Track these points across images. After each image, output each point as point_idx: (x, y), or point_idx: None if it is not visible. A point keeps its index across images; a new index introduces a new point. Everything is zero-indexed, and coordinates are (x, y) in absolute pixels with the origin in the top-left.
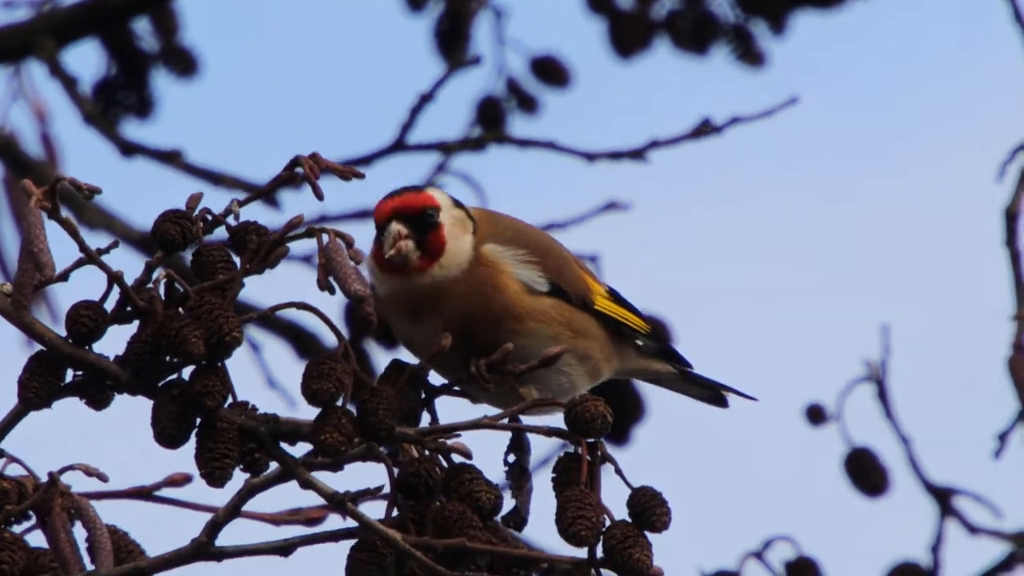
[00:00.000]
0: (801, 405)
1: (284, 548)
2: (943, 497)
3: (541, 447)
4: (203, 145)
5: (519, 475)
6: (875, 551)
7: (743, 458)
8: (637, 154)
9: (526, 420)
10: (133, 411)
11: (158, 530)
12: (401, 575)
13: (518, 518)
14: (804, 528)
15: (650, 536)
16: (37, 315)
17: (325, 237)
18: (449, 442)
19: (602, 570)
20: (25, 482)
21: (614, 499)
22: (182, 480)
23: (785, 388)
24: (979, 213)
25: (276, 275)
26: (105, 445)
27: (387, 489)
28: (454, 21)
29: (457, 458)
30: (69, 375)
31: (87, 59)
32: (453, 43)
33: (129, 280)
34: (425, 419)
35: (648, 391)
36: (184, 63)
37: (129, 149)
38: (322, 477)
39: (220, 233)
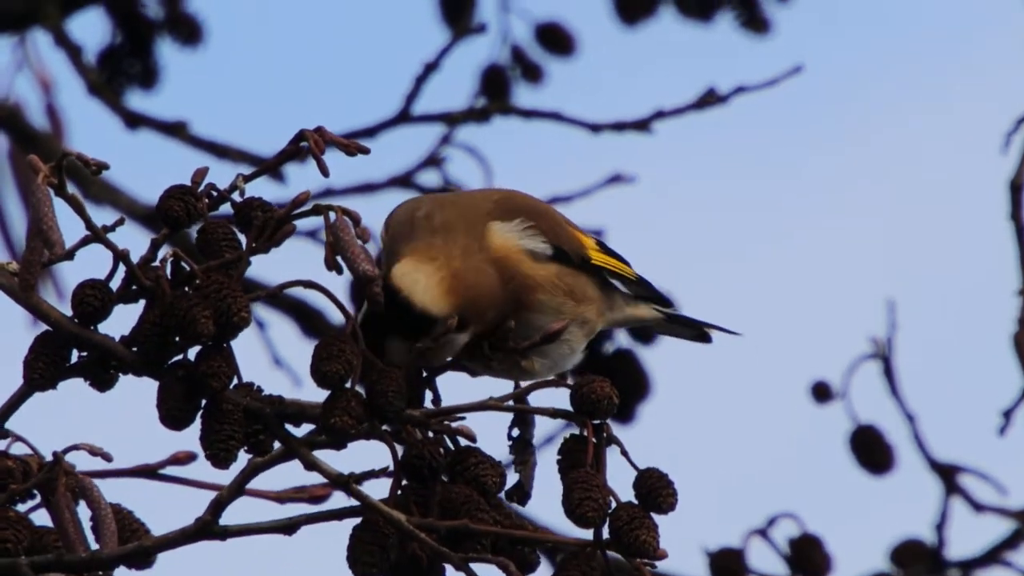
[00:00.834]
0: (807, 382)
1: (288, 527)
2: (948, 475)
3: (546, 425)
4: (207, 116)
5: (523, 449)
6: (880, 528)
7: (748, 435)
8: (642, 125)
9: (532, 400)
10: (138, 391)
11: (162, 508)
12: (404, 555)
13: (522, 493)
14: (809, 506)
15: (655, 517)
16: (43, 294)
17: (332, 215)
18: (454, 424)
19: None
20: (30, 461)
21: (620, 480)
22: (186, 458)
23: (791, 365)
24: (984, 185)
25: (281, 251)
26: (110, 425)
27: (391, 470)
28: None
29: (462, 440)
30: (75, 355)
31: (92, 27)
32: (458, 11)
33: (135, 258)
34: (427, 398)
35: (654, 367)
36: (189, 31)
37: (134, 121)
38: (325, 456)
39: (225, 209)
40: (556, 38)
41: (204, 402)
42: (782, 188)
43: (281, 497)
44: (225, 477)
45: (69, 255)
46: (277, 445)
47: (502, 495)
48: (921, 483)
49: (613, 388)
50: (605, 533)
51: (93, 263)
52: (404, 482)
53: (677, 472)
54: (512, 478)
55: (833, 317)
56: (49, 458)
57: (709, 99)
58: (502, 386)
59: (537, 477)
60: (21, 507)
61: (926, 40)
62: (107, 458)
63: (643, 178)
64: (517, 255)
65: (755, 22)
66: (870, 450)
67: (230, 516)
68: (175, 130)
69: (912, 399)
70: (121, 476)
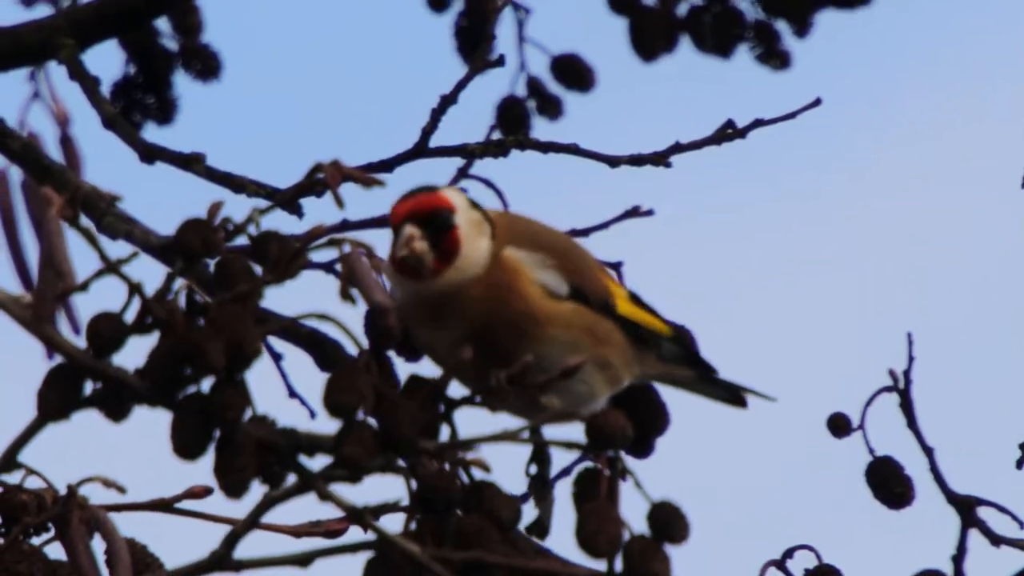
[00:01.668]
0: (824, 415)
1: (303, 560)
2: (966, 507)
3: (562, 458)
4: (223, 148)
5: (541, 487)
6: (897, 561)
7: (765, 467)
8: (660, 158)
9: (547, 433)
10: (152, 423)
11: (177, 542)
12: None
13: (542, 528)
14: (826, 538)
15: (669, 548)
16: (58, 326)
17: (346, 247)
18: (469, 456)
19: None
20: (44, 494)
21: (635, 511)
22: (202, 492)
23: (808, 398)
24: (1003, 217)
25: (298, 282)
26: (124, 458)
27: (406, 502)
28: (476, 21)
29: (477, 472)
30: (88, 387)
31: (108, 60)
32: (475, 44)
33: (149, 290)
34: (444, 432)
35: (670, 399)
36: (205, 63)
37: (150, 154)
38: (341, 489)
39: (241, 241)
40: (574, 71)
41: (218, 433)
42: (800, 220)
43: (297, 531)
44: (240, 511)
45: (83, 287)
46: (292, 477)
47: (522, 528)
48: (939, 516)
49: (627, 420)
50: (618, 565)
51: (108, 295)
52: (419, 514)
53: (694, 504)
54: (530, 513)
55: (851, 349)
56: (63, 491)
57: (727, 132)
58: (517, 421)
59: (554, 509)
60: (35, 540)
61: (943, 66)
62: (121, 490)
63: (661, 211)
64: (525, 282)
65: (774, 56)
66: (887, 483)
67: (245, 549)
68: (191, 163)
69: (930, 432)
70: (136, 510)
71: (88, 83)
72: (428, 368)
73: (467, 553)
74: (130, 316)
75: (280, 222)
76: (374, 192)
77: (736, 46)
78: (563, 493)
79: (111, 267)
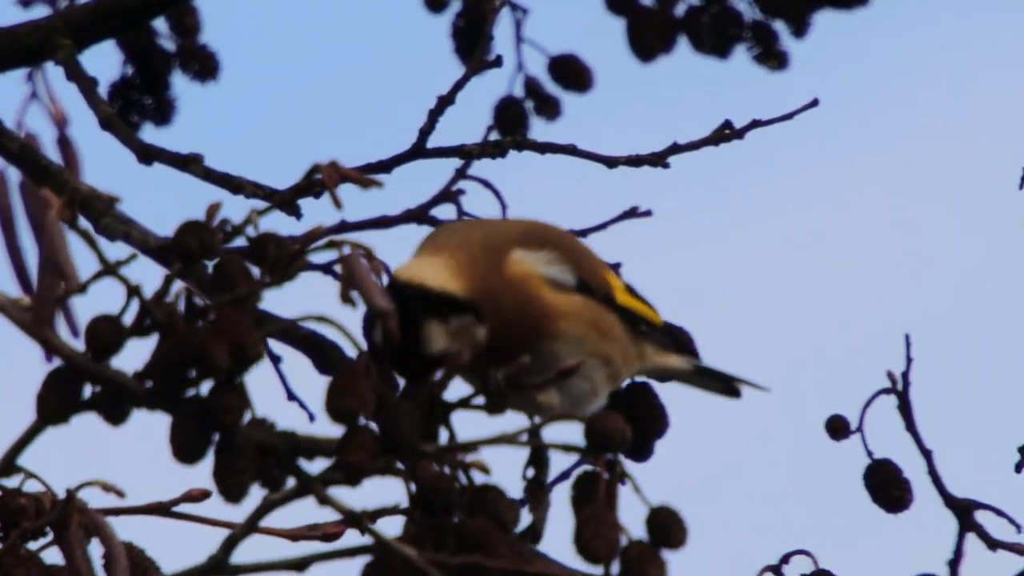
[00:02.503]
0: (822, 417)
1: (300, 564)
2: (964, 511)
3: (560, 462)
4: (221, 149)
5: (537, 490)
6: (895, 565)
7: (763, 470)
8: (658, 159)
9: (545, 435)
10: (151, 427)
11: (175, 546)
12: None
13: (534, 534)
14: (823, 541)
15: (667, 554)
16: (57, 329)
17: (346, 249)
18: (468, 458)
19: None
20: (43, 498)
21: (633, 514)
22: (200, 496)
23: (806, 400)
24: (1002, 218)
25: (297, 285)
26: (123, 462)
27: (404, 505)
28: (474, 21)
29: (477, 474)
30: (87, 390)
31: (105, 60)
32: (473, 44)
33: (147, 291)
34: (443, 435)
35: (668, 402)
36: (203, 64)
37: (148, 155)
38: (339, 492)
39: (240, 243)
40: (572, 72)
41: (217, 437)
42: (798, 220)
43: (294, 535)
44: (238, 515)
45: (82, 289)
46: (291, 481)
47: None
48: (937, 519)
49: (626, 423)
50: (616, 569)
51: (106, 298)
52: (418, 517)
53: (692, 507)
54: (525, 518)
55: (849, 350)
56: (62, 495)
57: (725, 133)
58: (517, 424)
59: (551, 513)
60: (33, 544)
61: (947, 67)
62: (120, 494)
63: (659, 212)
64: (537, 281)
65: (772, 57)
66: (886, 486)
67: (241, 553)
68: (189, 163)
69: (928, 434)
70: (134, 514)
71: (86, 84)
72: None
73: (465, 557)
74: (129, 318)
75: (278, 223)
76: (372, 193)
77: (734, 46)
78: (561, 497)
79: (110, 269)
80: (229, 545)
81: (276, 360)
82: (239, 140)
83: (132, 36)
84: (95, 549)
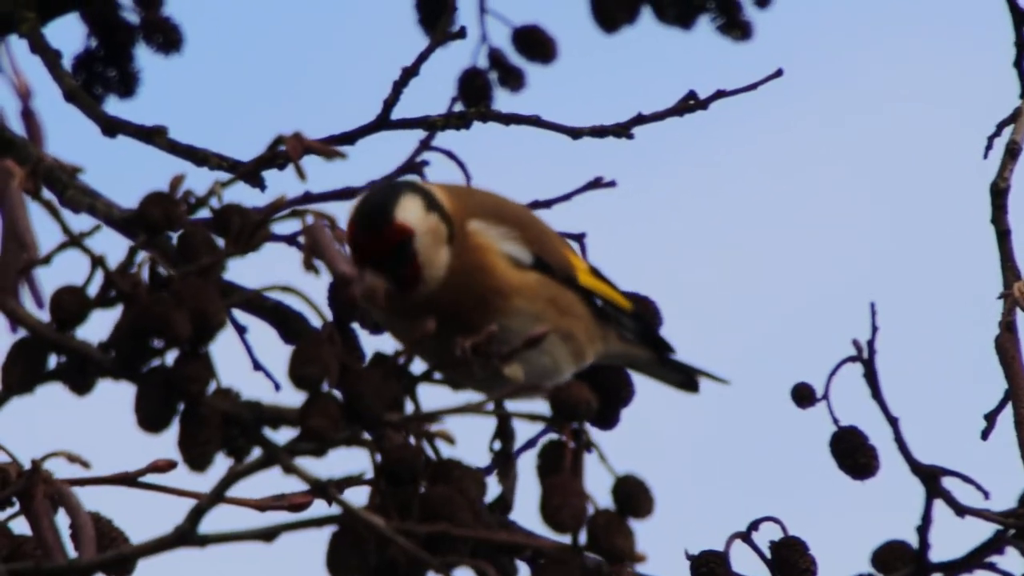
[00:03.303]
0: (788, 385)
1: (268, 535)
2: (931, 478)
3: (526, 431)
4: (185, 121)
5: (505, 462)
6: (862, 532)
7: (729, 438)
8: (622, 130)
9: (510, 405)
10: (116, 398)
11: (141, 516)
12: (384, 560)
13: (504, 504)
14: (790, 508)
15: (634, 522)
16: (20, 299)
17: (309, 218)
18: (433, 428)
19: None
20: (8, 468)
21: (600, 483)
22: (166, 466)
23: (771, 368)
24: (966, 189)
25: (261, 256)
26: (88, 432)
27: (370, 475)
28: None
29: (442, 446)
30: (52, 360)
31: (69, 33)
32: (437, 15)
33: (111, 263)
34: (408, 407)
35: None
36: (166, 36)
37: (112, 127)
38: (306, 463)
39: (204, 215)
40: (535, 43)
41: (182, 406)
42: (762, 190)
43: (261, 505)
44: (204, 485)
45: (46, 260)
46: (256, 450)
47: (485, 504)
48: (904, 486)
49: (591, 392)
50: (583, 539)
51: (70, 270)
52: (384, 487)
53: (658, 475)
54: (494, 489)
55: (814, 319)
56: (27, 465)
57: (689, 104)
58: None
59: (519, 483)
60: (0, 514)
61: (910, 39)
62: (85, 465)
63: (623, 182)
64: (494, 256)
65: (735, 27)
66: (852, 453)
67: (209, 523)
68: (153, 136)
69: (894, 402)
70: (100, 484)
71: (49, 56)
72: (391, 342)
73: (432, 525)
74: (93, 290)
75: (242, 195)
76: (336, 165)
77: (697, 17)
78: (527, 466)
79: (74, 240)
80: (196, 515)
81: (242, 330)
82: (203, 112)
83: (95, 9)
84: (62, 520)
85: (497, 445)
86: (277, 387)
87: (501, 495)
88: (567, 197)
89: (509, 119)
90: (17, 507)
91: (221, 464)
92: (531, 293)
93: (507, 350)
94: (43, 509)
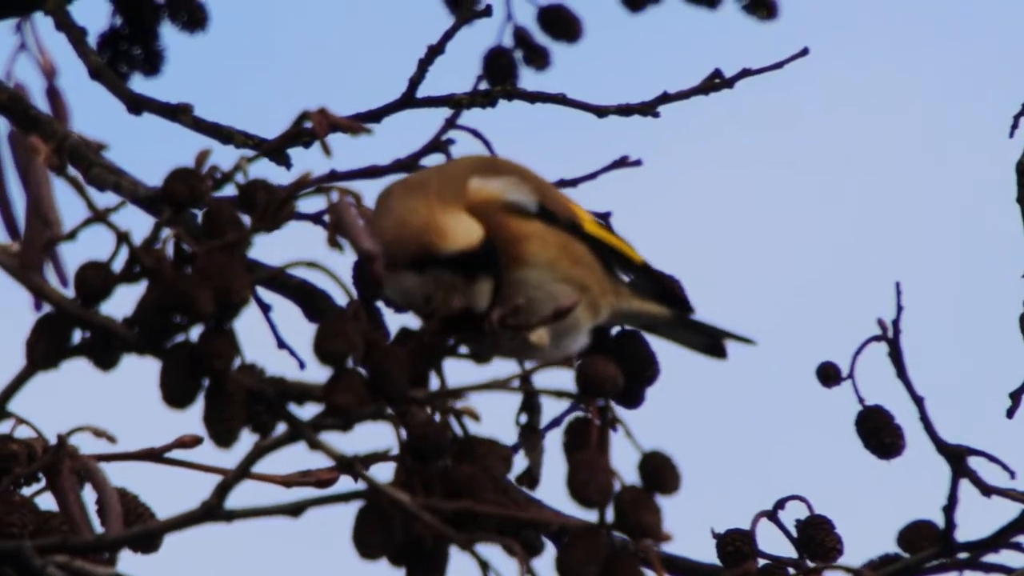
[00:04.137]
0: (813, 364)
1: (294, 510)
2: (957, 457)
3: (552, 408)
4: (210, 99)
5: (531, 435)
6: (888, 511)
7: (754, 417)
8: (647, 108)
9: (537, 381)
10: (142, 375)
11: (167, 492)
12: (409, 536)
13: (531, 478)
14: (816, 488)
15: (661, 498)
16: (44, 275)
17: (334, 195)
18: (459, 405)
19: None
20: (34, 444)
21: (625, 461)
22: (192, 442)
23: (797, 347)
24: (992, 168)
25: (286, 235)
26: (114, 408)
27: (395, 451)
28: None
29: (468, 422)
30: (77, 336)
31: (94, 11)
32: None
33: (137, 240)
34: (434, 382)
35: (658, 349)
36: (191, 14)
37: (137, 104)
38: (331, 438)
39: (229, 191)
40: (561, 22)
41: (207, 382)
42: (789, 169)
43: (287, 481)
44: (230, 461)
45: (71, 236)
46: (281, 426)
47: (512, 478)
48: (930, 465)
49: (617, 368)
50: (610, 516)
51: (95, 247)
52: (409, 463)
53: (684, 454)
54: (520, 464)
55: (840, 298)
56: (53, 441)
57: (715, 82)
58: (506, 370)
59: (545, 459)
60: (26, 491)
61: (937, 13)
62: (111, 440)
63: (649, 161)
64: (499, 205)
65: (761, 6)
66: (878, 432)
67: (234, 499)
68: (178, 113)
69: (919, 382)
70: (126, 460)
71: (75, 34)
72: (416, 320)
73: (457, 502)
74: (118, 265)
75: (267, 173)
76: (361, 143)
77: None
78: (553, 444)
79: (99, 216)
80: (222, 491)
81: (266, 308)
82: (228, 90)
83: None
84: (88, 495)
85: (523, 419)
86: (302, 365)
87: (528, 469)
88: (593, 176)
89: (535, 97)
90: (43, 483)
91: (246, 440)
92: (541, 239)
93: (536, 321)
94: (69, 484)
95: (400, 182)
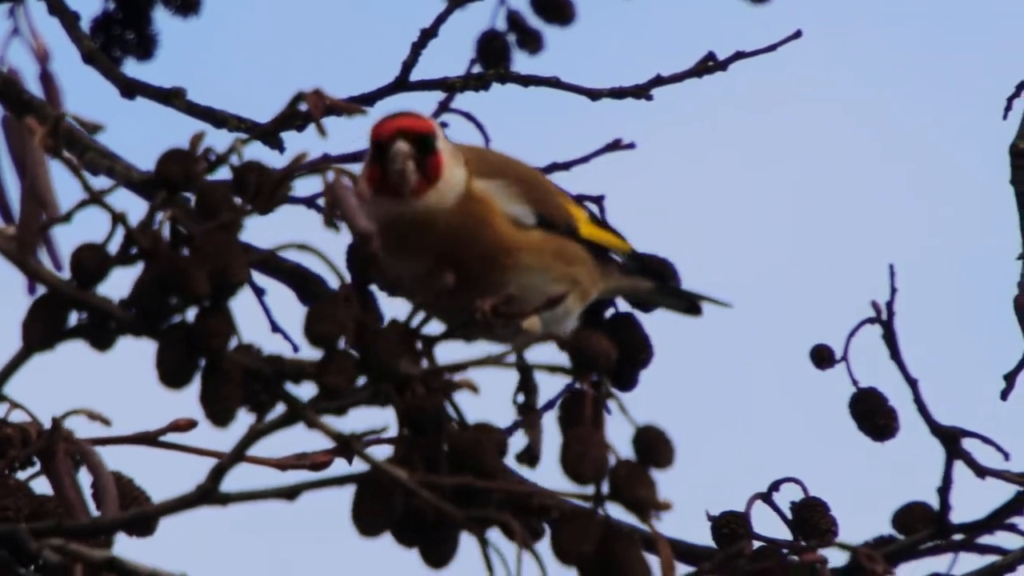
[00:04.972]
0: (807, 346)
1: (290, 493)
2: (951, 439)
3: (548, 388)
4: (203, 83)
5: (529, 414)
6: (883, 492)
7: (748, 400)
8: (641, 91)
9: (531, 357)
10: (137, 357)
11: (162, 475)
12: (409, 511)
13: (531, 456)
14: (810, 469)
15: (656, 472)
16: (39, 257)
17: (330, 175)
18: (456, 378)
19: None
20: (29, 428)
21: (620, 438)
22: (187, 425)
23: (790, 329)
24: (985, 150)
25: (280, 219)
26: (108, 392)
27: (394, 433)
28: None
29: (465, 408)
30: (73, 318)
31: None
32: None
33: (132, 223)
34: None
35: (652, 332)
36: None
37: (131, 89)
38: (327, 421)
39: (223, 174)
40: (553, 5)
41: (203, 362)
42: (781, 152)
43: (283, 464)
44: (225, 444)
45: (66, 218)
46: (277, 409)
47: (512, 456)
48: (924, 447)
49: (611, 342)
50: (605, 489)
51: (90, 231)
52: (407, 438)
53: (678, 437)
54: (519, 442)
55: (834, 280)
56: (48, 425)
57: (708, 65)
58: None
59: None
60: (21, 474)
61: (928, 5)
62: (106, 423)
63: (642, 144)
64: (497, 217)
65: None
66: (872, 415)
67: (229, 482)
68: (171, 97)
69: (913, 364)
70: (121, 443)
71: (68, 18)
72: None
73: (457, 478)
74: (114, 248)
75: (261, 157)
76: (354, 128)
77: None
78: (549, 425)
79: (95, 197)
80: (218, 473)
81: (260, 292)
82: (221, 74)
83: None
84: (84, 479)
85: (520, 398)
86: (295, 349)
87: (528, 447)
88: (586, 159)
89: (528, 81)
90: (38, 467)
91: (242, 420)
92: (536, 249)
93: (528, 309)
94: (65, 467)
95: None
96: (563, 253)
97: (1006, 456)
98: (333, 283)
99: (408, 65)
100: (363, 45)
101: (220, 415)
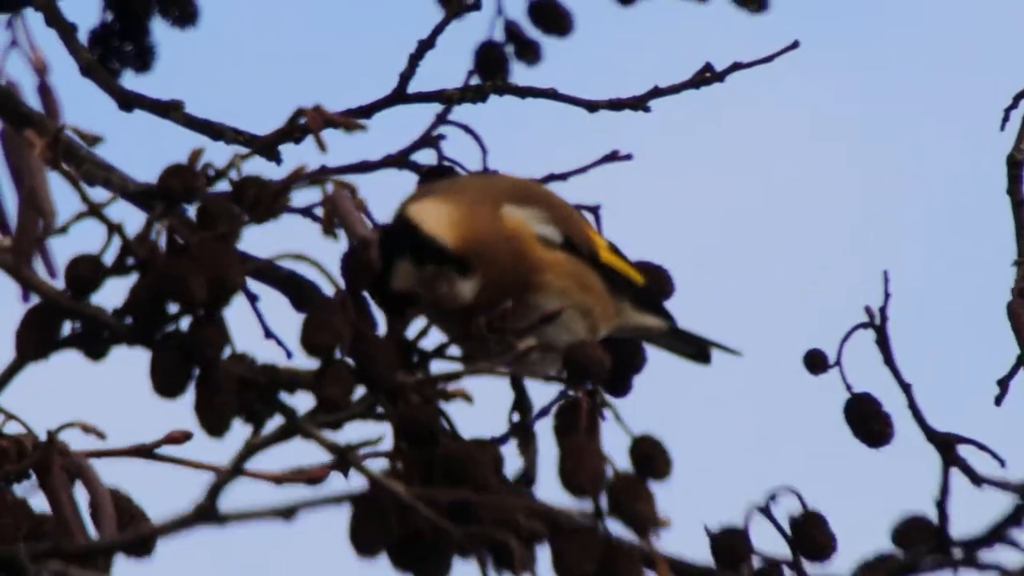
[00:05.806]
0: (800, 352)
1: (287, 512)
2: (947, 446)
3: (542, 397)
4: (201, 96)
5: (524, 435)
6: (878, 498)
7: (741, 406)
8: (638, 103)
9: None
10: (128, 367)
11: (156, 487)
12: (407, 529)
13: (527, 477)
14: (805, 474)
15: (653, 483)
16: (34, 268)
17: (329, 186)
18: (450, 387)
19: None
20: (24, 440)
21: (615, 447)
22: (181, 437)
23: (784, 335)
24: (982, 160)
25: (277, 229)
26: (102, 404)
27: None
28: None
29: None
30: (67, 329)
31: (85, 7)
32: None
33: (128, 235)
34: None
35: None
36: (182, 10)
37: (128, 101)
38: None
39: (222, 187)
40: (551, 16)
41: (197, 371)
42: (776, 161)
43: (279, 478)
44: (220, 455)
45: (63, 229)
46: (273, 423)
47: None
48: (919, 452)
49: (605, 351)
50: (604, 504)
51: (86, 243)
52: (402, 450)
53: (673, 446)
54: (514, 462)
55: (827, 286)
56: (43, 437)
57: (705, 76)
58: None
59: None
60: (17, 487)
61: (928, 6)
62: (100, 436)
63: (640, 156)
64: (529, 238)
65: (751, 0)
66: (866, 420)
67: (228, 495)
68: (169, 110)
69: (906, 369)
70: (115, 456)
71: (65, 30)
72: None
73: (454, 491)
74: (109, 259)
75: (259, 170)
76: (352, 139)
77: None
78: (544, 433)
79: (93, 209)
80: (215, 491)
81: (254, 299)
82: (219, 87)
83: None
84: (79, 493)
85: (515, 417)
86: (289, 355)
87: (524, 469)
88: (583, 170)
89: (526, 92)
90: (34, 480)
91: (237, 430)
92: (560, 270)
93: (524, 325)
94: (60, 483)
95: (436, 187)
96: (582, 279)
97: (1002, 463)
98: (328, 291)
99: (405, 77)
100: (360, 56)
101: (215, 425)
